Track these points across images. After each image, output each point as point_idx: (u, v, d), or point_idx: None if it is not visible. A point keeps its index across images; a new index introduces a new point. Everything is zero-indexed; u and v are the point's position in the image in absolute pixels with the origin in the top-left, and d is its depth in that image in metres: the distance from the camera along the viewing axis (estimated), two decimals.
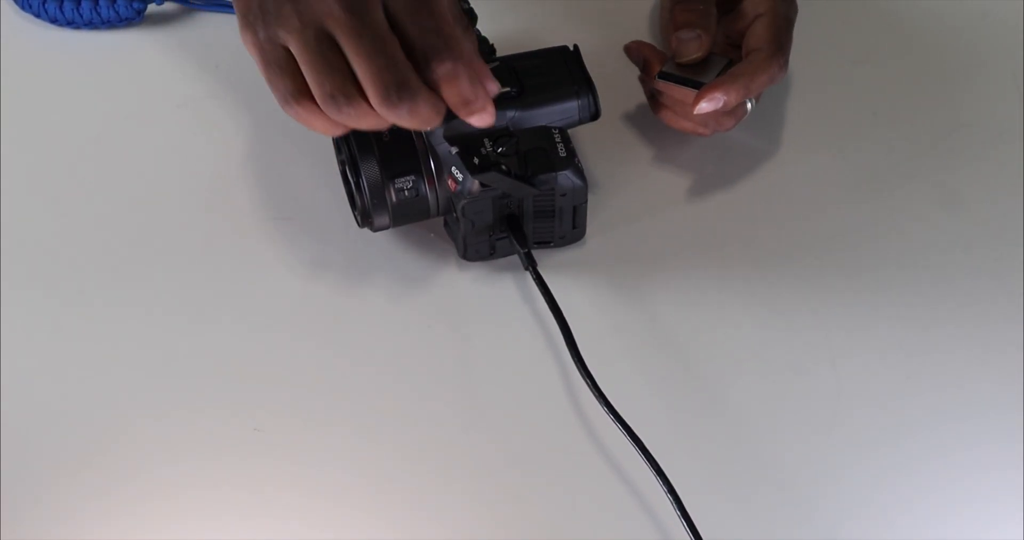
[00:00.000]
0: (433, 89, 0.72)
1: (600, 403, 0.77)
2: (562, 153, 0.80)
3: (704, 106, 0.83)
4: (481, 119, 0.74)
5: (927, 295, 0.85)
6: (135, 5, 0.93)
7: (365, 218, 0.82)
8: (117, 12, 0.93)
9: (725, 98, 0.83)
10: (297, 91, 0.72)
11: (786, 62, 0.85)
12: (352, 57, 0.71)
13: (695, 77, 0.85)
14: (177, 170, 0.89)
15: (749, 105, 0.87)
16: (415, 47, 0.72)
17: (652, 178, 0.89)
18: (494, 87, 0.74)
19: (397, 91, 0.71)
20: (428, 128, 0.74)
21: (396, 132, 0.80)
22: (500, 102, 0.80)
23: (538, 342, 0.82)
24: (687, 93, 0.85)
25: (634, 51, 0.88)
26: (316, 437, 0.79)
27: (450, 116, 0.75)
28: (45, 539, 0.76)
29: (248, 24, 0.72)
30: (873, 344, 0.83)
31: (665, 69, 0.86)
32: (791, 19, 0.87)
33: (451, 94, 0.72)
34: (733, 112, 0.86)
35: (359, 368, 0.82)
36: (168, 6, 0.95)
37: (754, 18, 0.86)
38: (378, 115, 0.72)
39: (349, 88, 0.71)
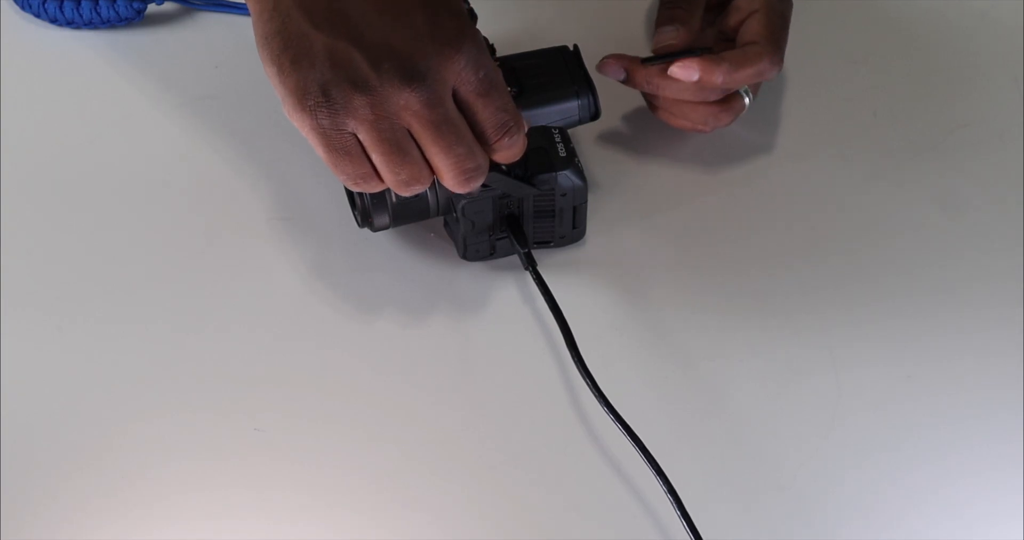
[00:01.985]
0: (489, 154, 0.74)
1: (600, 403, 0.77)
2: (562, 153, 0.80)
3: (676, 71, 0.83)
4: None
5: (927, 295, 0.85)
6: (135, 5, 0.93)
7: (365, 218, 0.82)
8: (117, 12, 0.93)
9: (700, 73, 0.83)
10: (367, 175, 0.73)
11: (780, 59, 0.85)
12: (430, 147, 0.72)
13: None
14: (177, 170, 0.89)
15: (747, 100, 0.86)
16: (485, 126, 0.73)
17: (652, 178, 0.89)
18: (526, 128, 0.76)
19: (474, 175, 0.73)
20: None
21: None
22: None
23: (538, 342, 0.82)
24: (669, 84, 0.84)
25: (610, 66, 0.86)
26: (316, 437, 0.79)
27: None
28: (46, 539, 0.76)
29: (307, 109, 0.70)
30: (873, 344, 0.83)
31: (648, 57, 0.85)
32: (786, 16, 0.87)
33: (505, 158, 0.75)
34: (730, 107, 0.86)
35: (359, 368, 0.82)
36: (168, 6, 0.95)
37: (748, 14, 0.86)
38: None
39: (424, 173, 0.73)
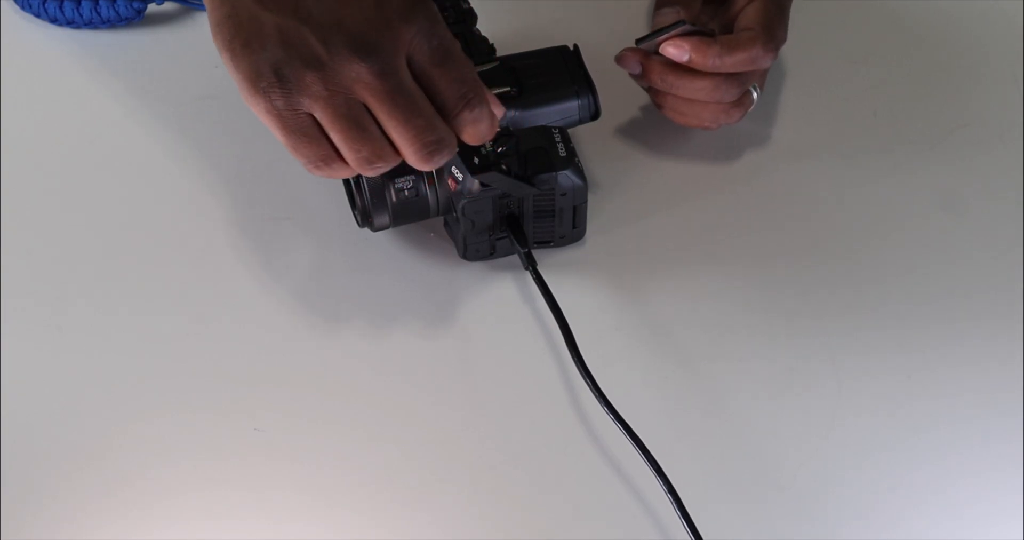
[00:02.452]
0: (455, 129, 0.73)
1: (600, 403, 0.77)
2: (562, 153, 0.80)
3: (669, 50, 0.82)
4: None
5: (927, 294, 0.85)
6: (135, 5, 0.93)
7: (365, 218, 0.82)
8: (117, 12, 0.93)
9: (691, 54, 0.82)
10: (327, 156, 0.72)
11: (775, 47, 0.84)
12: (387, 121, 0.71)
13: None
14: (177, 170, 0.89)
15: (755, 95, 0.86)
16: (444, 97, 0.72)
17: (652, 178, 0.89)
18: (500, 111, 0.75)
19: (436, 148, 0.72)
20: None
21: None
22: (500, 102, 0.80)
23: (538, 342, 0.82)
24: (685, 83, 0.84)
25: (628, 59, 0.86)
26: (316, 437, 0.79)
27: None
28: (46, 539, 0.76)
29: (260, 91, 0.70)
30: (873, 344, 0.83)
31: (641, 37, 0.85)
32: (783, 6, 0.86)
33: (472, 134, 0.74)
34: (740, 103, 0.85)
35: (359, 368, 0.82)
36: (168, 6, 0.95)
37: (747, 3, 0.86)
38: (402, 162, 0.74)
39: (386, 150, 0.72)
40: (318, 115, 0.70)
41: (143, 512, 0.77)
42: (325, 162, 0.72)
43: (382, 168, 0.73)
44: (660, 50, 0.83)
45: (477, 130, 0.74)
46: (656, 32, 0.84)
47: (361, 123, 0.71)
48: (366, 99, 0.70)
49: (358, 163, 0.72)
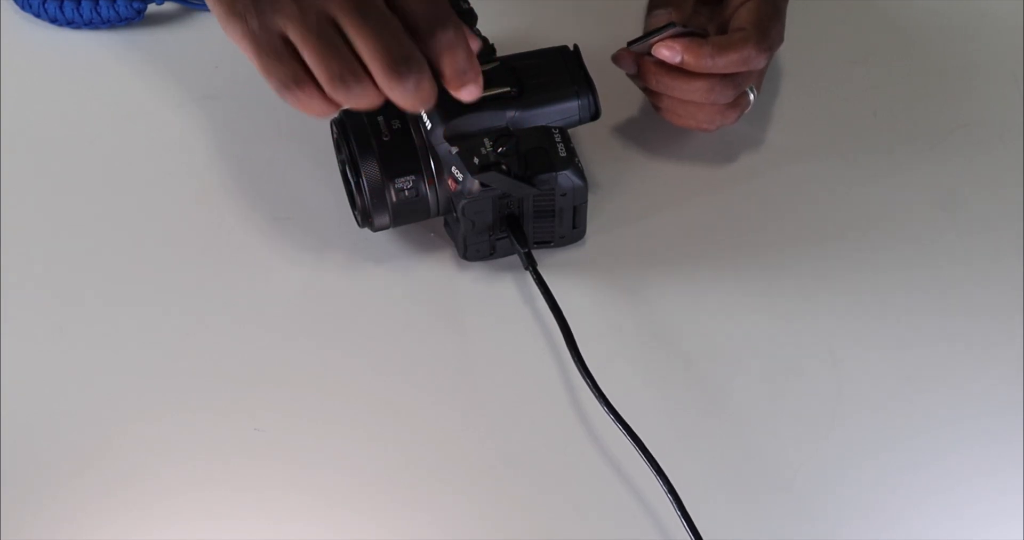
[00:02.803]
0: (432, 61, 0.73)
1: (600, 403, 0.77)
2: (562, 153, 0.80)
3: (661, 51, 0.83)
4: (471, 92, 0.75)
5: (927, 295, 0.85)
6: (135, 5, 0.93)
7: (365, 218, 0.82)
8: (117, 12, 0.93)
9: (683, 55, 0.82)
10: (298, 76, 0.73)
11: (768, 48, 0.84)
12: (357, 36, 0.72)
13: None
14: (177, 170, 0.89)
15: (752, 97, 0.86)
16: (416, 22, 0.73)
17: (652, 178, 0.89)
18: (476, 45, 0.76)
19: (406, 65, 0.72)
20: (425, 108, 0.75)
21: (396, 131, 0.80)
22: (500, 102, 0.80)
23: (538, 342, 0.82)
24: (680, 84, 0.84)
25: (624, 58, 0.86)
26: (316, 437, 0.79)
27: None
28: (46, 539, 0.76)
29: (235, 13, 0.72)
30: (873, 344, 0.83)
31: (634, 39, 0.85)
32: (779, 7, 0.86)
33: (449, 64, 0.74)
34: (736, 104, 0.85)
35: (359, 368, 0.82)
36: (168, 6, 0.95)
37: (740, 4, 0.86)
38: (380, 92, 0.73)
39: (356, 67, 0.73)
40: (291, 33, 0.72)
41: (143, 512, 0.77)
42: (296, 83, 0.73)
43: (354, 89, 0.73)
44: (653, 52, 0.83)
45: (453, 58, 0.74)
46: (648, 34, 0.84)
47: (332, 40, 0.72)
48: (337, 16, 0.72)
49: (331, 81, 0.73)
